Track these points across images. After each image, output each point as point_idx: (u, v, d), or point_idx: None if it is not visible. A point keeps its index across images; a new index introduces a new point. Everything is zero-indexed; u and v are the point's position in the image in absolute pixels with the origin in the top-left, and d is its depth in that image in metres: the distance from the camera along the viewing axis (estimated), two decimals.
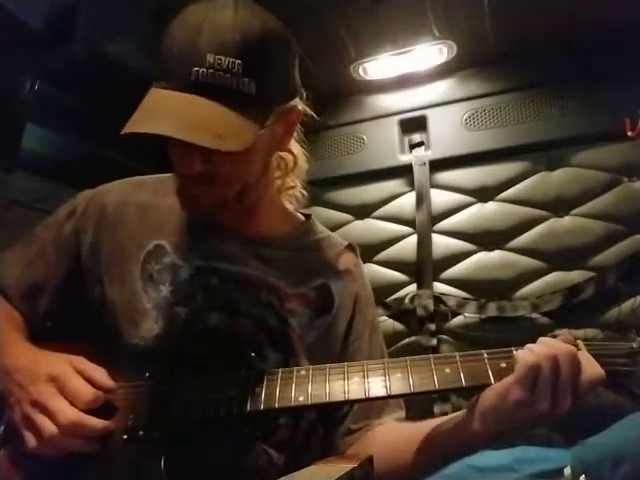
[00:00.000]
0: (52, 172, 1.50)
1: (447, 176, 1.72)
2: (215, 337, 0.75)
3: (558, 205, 1.57)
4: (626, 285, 1.42)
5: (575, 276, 1.50)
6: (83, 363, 0.69)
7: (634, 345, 0.62)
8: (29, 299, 0.81)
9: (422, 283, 1.65)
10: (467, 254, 1.64)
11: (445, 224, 1.69)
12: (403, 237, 1.73)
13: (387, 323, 1.65)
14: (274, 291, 0.79)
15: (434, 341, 1.58)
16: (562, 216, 1.56)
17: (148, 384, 0.70)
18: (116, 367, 0.70)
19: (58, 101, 1.43)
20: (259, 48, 0.68)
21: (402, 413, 0.82)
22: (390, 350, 1.57)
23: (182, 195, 0.76)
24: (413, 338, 1.63)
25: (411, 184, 1.75)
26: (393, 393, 0.63)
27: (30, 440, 0.64)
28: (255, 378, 0.67)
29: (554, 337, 0.64)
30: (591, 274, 1.48)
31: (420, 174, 1.72)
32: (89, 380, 0.67)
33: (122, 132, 0.64)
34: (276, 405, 0.64)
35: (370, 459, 0.64)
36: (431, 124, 1.75)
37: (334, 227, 1.76)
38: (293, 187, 0.93)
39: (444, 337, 1.60)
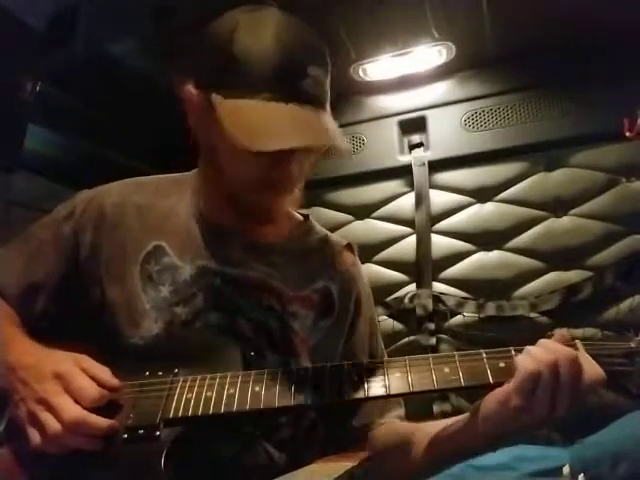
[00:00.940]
0: (52, 172, 1.50)
1: (446, 177, 1.72)
2: (215, 336, 0.75)
3: (557, 205, 1.57)
4: (624, 285, 1.43)
5: (573, 276, 1.50)
6: (88, 361, 0.69)
7: (632, 345, 0.62)
8: (26, 298, 0.81)
9: (421, 283, 1.65)
10: (466, 254, 1.64)
11: (444, 224, 1.70)
12: (402, 237, 1.73)
13: (387, 322, 1.65)
14: (276, 294, 0.79)
15: (433, 340, 1.59)
16: (560, 216, 1.57)
17: (148, 383, 0.70)
18: (116, 366, 0.70)
19: (58, 101, 1.42)
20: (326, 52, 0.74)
21: (402, 411, 0.83)
22: (389, 349, 1.58)
23: (258, 204, 0.79)
24: (412, 337, 1.63)
25: (410, 184, 1.75)
26: (393, 392, 0.63)
27: (34, 437, 0.64)
28: (255, 377, 0.67)
29: (550, 336, 0.64)
30: (589, 274, 1.48)
31: (419, 175, 1.72)
32: (94, 378, 0.67)
33: (270, 149, 0.65)
34: (276, 404, 0.64)
35: (370, 458, 0.65)
36: (430, 125, 1.74)
37: (334, 227, 1.76)
38: None
39: (443, 336, 1.60)
